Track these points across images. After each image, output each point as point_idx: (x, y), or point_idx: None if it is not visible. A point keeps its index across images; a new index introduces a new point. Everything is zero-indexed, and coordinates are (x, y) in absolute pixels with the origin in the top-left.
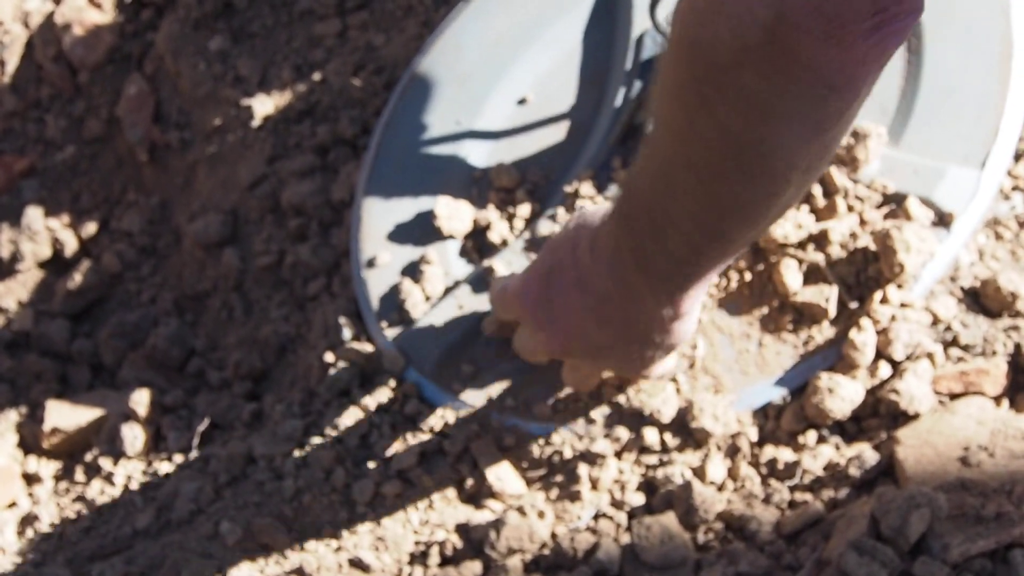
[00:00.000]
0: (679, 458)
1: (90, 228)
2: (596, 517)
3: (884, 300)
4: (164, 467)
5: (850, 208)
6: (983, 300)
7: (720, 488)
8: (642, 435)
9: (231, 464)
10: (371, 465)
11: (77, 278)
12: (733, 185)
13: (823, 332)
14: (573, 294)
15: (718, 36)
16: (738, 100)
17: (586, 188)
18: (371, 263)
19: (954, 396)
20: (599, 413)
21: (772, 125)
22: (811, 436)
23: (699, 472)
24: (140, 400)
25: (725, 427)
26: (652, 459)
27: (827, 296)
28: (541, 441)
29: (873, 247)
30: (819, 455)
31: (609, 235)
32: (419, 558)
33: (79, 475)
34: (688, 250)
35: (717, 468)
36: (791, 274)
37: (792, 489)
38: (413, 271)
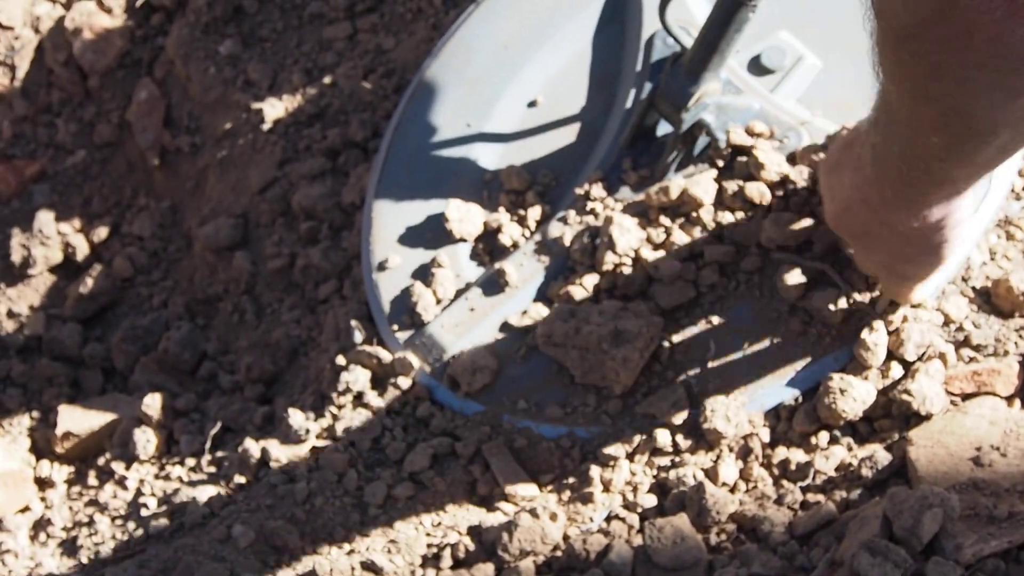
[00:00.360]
0: (691, 460)
1: (101, 232)
2: (608, 519)
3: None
4: (176, 471)
5: None
6: (995, 300)
7: (732, 489)
8: (654, 437)
9: (243, 467)
10: (383, 468)
11: (88, 282)
12: (939, 137)
13: (834, 333)
14: (850, 168)
15: (895, 9)
16: (929, 67)
17: (596, 190)
18: (382, 266)
19: (966, 396)
20: (611, 415)
21: (965, 90)
22: (823, 437)
23: (711, 473)
24: (152, 404)
25: (737, 428)
26: (664, 460)
27: (837, 297)
28: (552, 443)
29: None
30: (831, 456)
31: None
32: (431, 560)
33: (91, 479)
34: (914, 181)
35: (729, 469)
36: (799, 276)
37: (804, 490)
38: (424, 274)
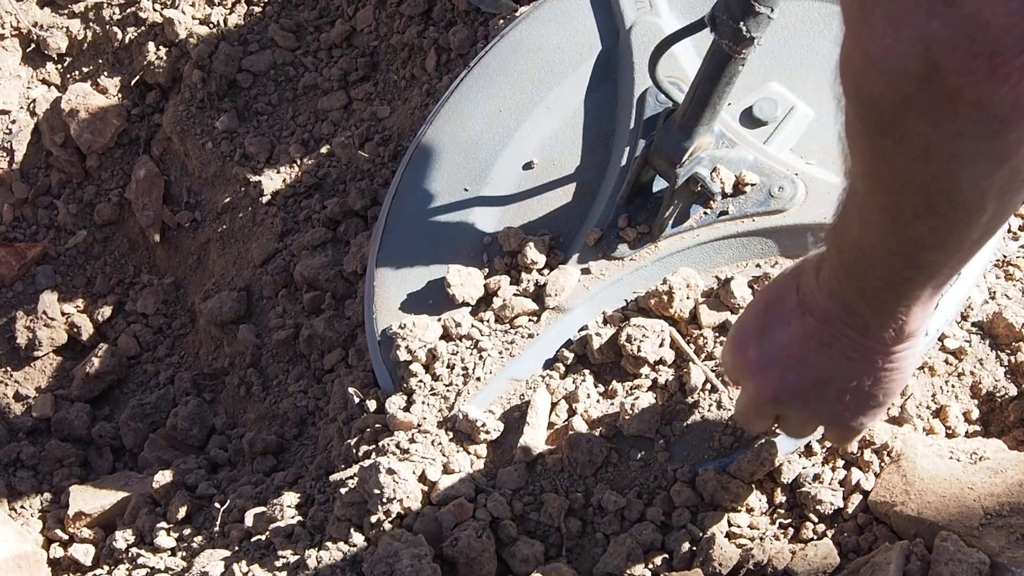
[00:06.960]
0: (701, 512)
1: (105, 312)
2: None
3: None
4: (189, 546)
5: None
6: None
7: (743, 540)
8: (668, 492)
9: (255, 541)
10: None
11: (95, 362)
12: (925, 223)
13: None
14: (794, 321)
15: (878, 92)
16: (913, 148)
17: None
18: (386, 333)
19: None
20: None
21: (952, 165)
22: (835, 482)
23: (722, 525)
24: (162, 480)
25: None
26: (675, 515)
27: None
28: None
29: None
30: (838, 502)
31: (830, 262)
32: None
33: (105, 558)
34: (899, 279)
35: (740, 519)
36: None
37: (816, 536)
38: (428, 340)
